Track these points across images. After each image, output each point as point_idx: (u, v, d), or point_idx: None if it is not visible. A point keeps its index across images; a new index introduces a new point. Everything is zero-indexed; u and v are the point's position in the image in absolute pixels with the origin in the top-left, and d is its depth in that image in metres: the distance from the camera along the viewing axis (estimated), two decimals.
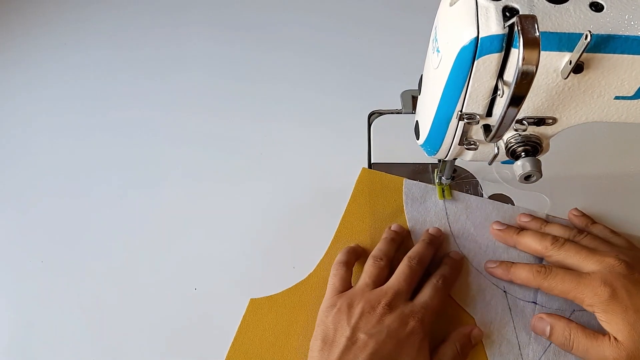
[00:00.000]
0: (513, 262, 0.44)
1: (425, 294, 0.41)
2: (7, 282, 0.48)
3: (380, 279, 0.42)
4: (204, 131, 0.60)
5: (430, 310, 0.40)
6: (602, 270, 0.39)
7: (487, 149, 0.41)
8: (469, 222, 0.48)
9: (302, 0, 0.73)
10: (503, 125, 0.34)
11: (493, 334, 0.43)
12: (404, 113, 0.47)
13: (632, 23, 0.31)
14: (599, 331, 0.38)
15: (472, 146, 0.40)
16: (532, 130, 0.37)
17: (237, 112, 0.62)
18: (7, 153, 0.59)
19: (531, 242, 0.44)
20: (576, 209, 0.48)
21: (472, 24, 0.31)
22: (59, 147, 0.59)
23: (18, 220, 0.53)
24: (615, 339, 0.37)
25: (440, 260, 0.45)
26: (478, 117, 0.36)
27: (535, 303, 0.44)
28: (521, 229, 0.46)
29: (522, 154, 0.37)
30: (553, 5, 0.31)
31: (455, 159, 0.44)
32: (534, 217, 0.47)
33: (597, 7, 0.31)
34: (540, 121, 0.36)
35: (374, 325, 0.38)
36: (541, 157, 0.38)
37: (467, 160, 0.43)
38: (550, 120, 0.36)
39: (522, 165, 0.37)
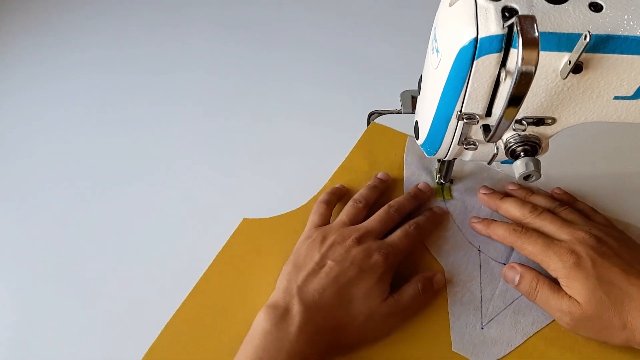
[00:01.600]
0: (494, 220, 0.46)
1: (395, 235, 0.44)
2: (7, 282, 0.49)
3: (357, 219, 0.45)
4: (202, 130, 0.60)
5: (396, 250, 0.43)
6: (572, 240, 0.40)
7: (487, 149, 0.41)
8: (463, 187, 0.50)
9: (302, 0, 0.73)
10: (502, 126, 0.34)
11: (458, 284, 0.45)
12: (404, 113, 0.47)
13: (631, 23, 0.31)
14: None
15: (472, 146, 0.40)
16: (531, 130, 0.37)
17: (236, 112, 0.62)
18: (7, 152, 0.59)
19: (511, 208, 0.46)
20: (558, 187, 0.49)
21: (471, 24, 0.31)
22: (58, 147, 0.59)
23: (18, 220, 0.53)
24: (575, 300, 0.38)
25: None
26: (477, 117, 0.36)
27: (505, 265, 0.45)
28: (506, 195, 0.48)
29: (522, 153, 0.37)
30: (552, 5, 0.31)
31: (454, 159, 0.44)
32: (521, 186, 0.49)
33: (596, 8, 0.31)
34: (539, 121, 0.36)
35: (341, 254, 0.41)
36: (540, 157, 0.38)
37: (466, 160, 0.43)
38: (550, 121, 0.36)
39: (521, 165, 0.37)
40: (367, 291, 0.40)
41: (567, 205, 0.46)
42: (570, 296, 0.39)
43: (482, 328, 0.42)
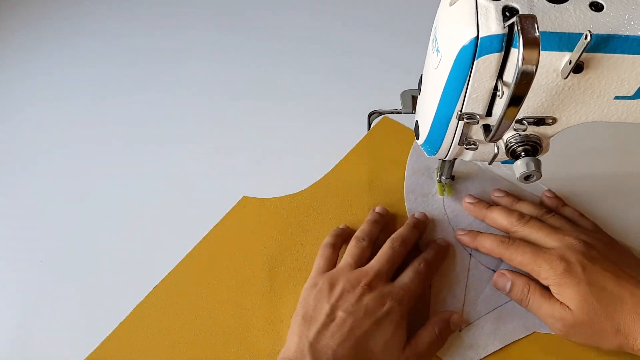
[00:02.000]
0: (480, 232, 0.46)
1: (406, 276, 0.42)
2: (7, 282, 0.48)
3: (363, 260, 0.44)
4: (201, 129, 0.60)
5: (410, 292, 0.41)
6: (561, 247, 0.40)
7: (487, 149, 0.41)
8: (463, 187, 0.50)
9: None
10: (503, 125, 0.34)
11: (444, 287, 0.45)
12: (404, 113, 0.47)
13: (632, 23, 0.30)
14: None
15: (472, 146, 0.40)
16: (532, 130, 0.37)
17: (236, 112, 0.62)
18: (7, 152, 0.59)
19: (498, 217, 0.45)
20: (549, 190, 0.49)
21: (472, 23, 0.31)
22: (58, 147, 0.59)
23: (18, 220, 0.53)
24: (567, 306, 0.38)
25: (426, 245, 0.47)
26: (478, 117, 0.36)
27: (494, 271, 0.45)
28: (492, 204, 0.47)
29: (522, 153, 0.37)
30: (553, 5, 0.31)
31: (455, 158, 0.44)
32: (507, 194, 0.49)
33: (597, 7, 0.31)
34: (540, 121, 0.36)
35: (353, 304, 0.39)
36: (541, 157, 0.38)
37: (467, 160, 0.43)
38: (550, 120, 0.36)
39: (522, 165, 0.37)
40: (385, 343, 0.38)
41: (554, 212, 0.46)
42: (562, 302, 0.39)
43: (460, 331, 0.43)
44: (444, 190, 0.50)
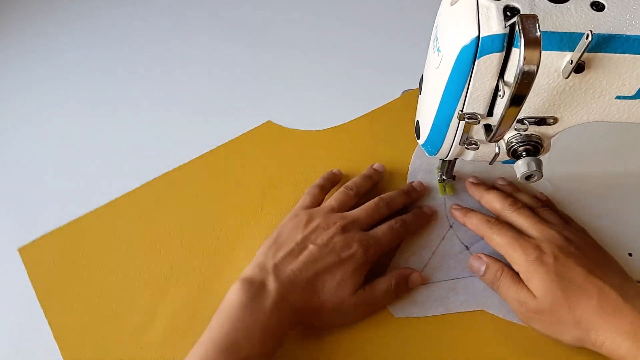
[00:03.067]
0: (473, 210, 0.47)
1: (379, 229, 0.44)
2: (7, 282, 0.48)
3: (345, 206, 0.46)
4: (202, 129, 0.60)
5: (378, 244, 0.43)
6: (541, 237, 0.41)
7: (488, 149, 0.41)
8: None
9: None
10: (504, 125, 0.34)
11: (412, 247, 0.47)
12: None
13: (633, 22, 0.30)
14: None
15: (473, 146, 0.40)
16: (533, 130, 0.37)
17: (236, 110, 0.62)
18: (7, 152, 0.59)
19: (493, 200, 0.46)
20: (541, 193, 0.49)
21: (473, 23, 0.31)
22: (58, 147, 0.59)
23: (18, 219, 0.53)
24: (532, 293, 0.39)
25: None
26: (479, 116, 0.36)
27: (467, 249, 0.46)
28: (493, 188, 0.48)
29: (523, 153, 0.37)
30: (554, 4, 0.31)
31: (456, 158, 0.44)
32: (510, 183, 0.49)
33: (598, 7, 0.31)
34: (541, 121, 0.36)
35: (323, 240, 0.42)
36: (542, 157, 0.38)
37: (468, 160, 0.43)
38: (551, 120, 0.36)
39: (523, 165, 0.37)
40: (340, 281, 0.41)
41: (549, 208, 0.46)
42: (528, 290, 0.39)
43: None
44: (445, 190, 0.50)
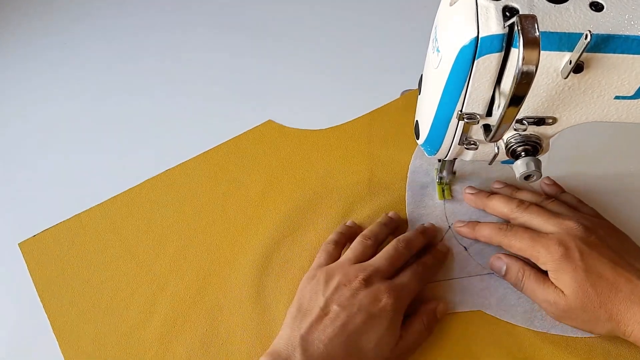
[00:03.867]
0: (478, 221, 0.46)
1: (404, 276, 0.42)
2: (7, 282, 0.48)
3: (364, 257, 0.43)
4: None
5: (406, 290, 0.41)
6: (560, 232, 0.40)
7: (487, 149, 0.41)
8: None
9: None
10: (503, 125, 0.34)
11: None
12: None
13: (632, 23, 0.31)
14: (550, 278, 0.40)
15: (472, 146, 0.40)
16: (532, 130, 0.37)
17: (237, 109, 0.62)
18: (6, 152, 0.59)
19: (498, 205, 0.45)
20: (548, 177, 0.49)
21: (472, 23, 0.31)
22: (58, 146, 0.59)
23: (18, 219, 0.53)
24: (561, 291, 0.39)
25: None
26: (478, 116, 0.36)
27: (466, 249, 0.47)
28: (492, 194, 0.47)
29: (522, 153, 0.37)
30: (553, 5, 0.31)
31: (455, 158, 0.44)
32: (506, 184, 0.49)
33: (597, 7, 0.31)
34: (540, 121, 0.36)
35: (348, 298, 0.39)
36: (541, 157, 0.38)
37: (467, 160, 0.43)
38: (550, 120, 0.36)
39: (522, 165, 0.37)
40: (378, 340, 0.38)
41: (553, 198, 0.46)
42: (555, 287, 0.39)
43: None
44: (444, 194, 0.49)
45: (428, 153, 0.43)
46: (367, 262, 0.42)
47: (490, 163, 0.42)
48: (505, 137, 0.37)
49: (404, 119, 0.55)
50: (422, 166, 0.52)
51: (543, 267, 0.40)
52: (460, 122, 0.37)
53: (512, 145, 0.37)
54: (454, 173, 0.49)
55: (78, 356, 0.44)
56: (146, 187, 0.53)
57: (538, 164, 0.37)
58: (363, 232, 0.45)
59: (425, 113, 0.40)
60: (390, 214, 0.48)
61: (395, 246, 0.43)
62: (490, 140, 0.36)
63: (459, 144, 0.40)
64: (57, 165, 0.56)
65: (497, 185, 0.49)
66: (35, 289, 0.47)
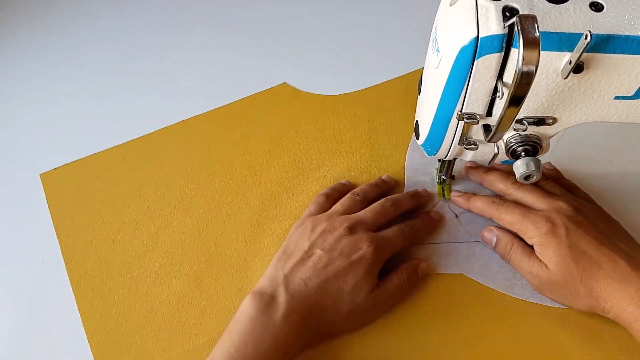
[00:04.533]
0: (474, 194, 0.47)
1: (389, 231, 0.44)
2: (7, 282, 0.48)
3: (351, 211, 0.45)
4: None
5: (388, 244, 0.43)
6: (549, 209, 0.41)
7: (487, 149, 0.41)
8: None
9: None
10: (503, 125, 0.34)
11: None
12: None
13: (632, 23, 0.31)
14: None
15: (472, 146, 0.40)
16: (532, 130, 0.37)
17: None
18: (7, 152, 0.59)
19: (495, 180, 0.46)
20: (549, 163, 0.50)
21: (472, 23, 0.31)
22: (58, 146, 0.59)
23: (18, 219, 0.53)
24: (545, 265, 0.40)
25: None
26: (478, 117, 0.36)
27: (457, 217, 0.48)
28: (492, 169, 0.48)
29: (522, 153, 0.37)
30: (553, 5, 0.31)
31: (455, 158, 0.44)
32: (508, 165, 0.49)
33: (597, 7, 0.31)
34: (540, 121, 0.36)
35: (331, 243, 0.41)
36: (541, 157, 0.38)
37: (467, 160, 0.43)
38: (550, 120, 0.36)
39: (522, 165, 0.37)
40: (354, 284, 0.40)
41: (550, 179, 0.47)
42: (541, 261, 0.40)
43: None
44: (444, 193, 0.50)
45: (428, 153, 0.43)
46: (353, 214, 0.44)
47: (490, 163, 0.42)
48: (505, 137, 0.37)
49: (410, 95, 0.57)
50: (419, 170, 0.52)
51: (529, 242, 0.41)
52: (460, 122, 0.37)
53: (512, 145, 0.37)
54: (453, 177, 0.50)
55: (82, 278, 0.48)
56: (161, 134, 0.57)
57: (538, 164, 0.37)
58: (353, 190, 0.48)
59: (425, 113, 0.40)
60: (384, 176, 0.50)
61: (382, 203, 0.45)
62: (490, 141, 0.36)
63: (459, 144, 0.40)
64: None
65: (497, 164, 0.49)
66: (50, 216, 0.52)
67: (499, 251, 0.44)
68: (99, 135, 0.58)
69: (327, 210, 0.46)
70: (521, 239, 0.42)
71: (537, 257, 0.41)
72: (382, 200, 0.46)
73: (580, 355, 0.41)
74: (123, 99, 0.62)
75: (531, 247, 0.41)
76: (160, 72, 0.64)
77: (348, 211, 0.45)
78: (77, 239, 0.50)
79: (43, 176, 0.55)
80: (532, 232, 0.41)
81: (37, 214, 0.53)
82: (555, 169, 0.50)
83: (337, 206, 0.46)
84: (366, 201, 0.47)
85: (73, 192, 0.54)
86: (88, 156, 0.56)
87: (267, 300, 0.39)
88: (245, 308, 0.39)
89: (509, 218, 0.42)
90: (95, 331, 0.45)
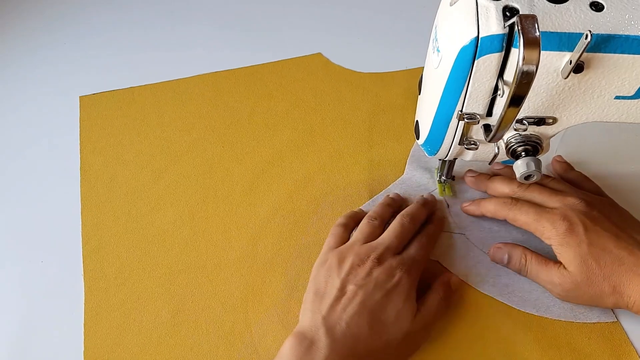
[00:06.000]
0: (484, 198, 0.47)
1: (412, 249, 0.43)
2: (7, 282, 0.48)
3: (372, 237, 0.44)
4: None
5: (416, 263, 0.42)
6: (563, 207, 0.41)
7: (488, 149, 0.41)
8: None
9: None
10: (503, 125, 0.34)
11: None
12: None
13: (632, 23, 0.31)
14: (552, 259, 0.41)
15: (473, 146, 0.40)
16: (532, 130, 0.37)
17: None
18: (6, 152, 0.59)
19: (500, 186, 0.46)
20: (559, 155, 0.50)
21: (472, 23, 0.31)
22: (58, 146, 0.59)
23: (18, 219, 0.53)
24: (565, 268, 0.39)
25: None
26: (478, 117, 0.36)
27: (448, 206, 0.49)
28: (493, 175, 0.48)
29: (523, 153, 0.37)
30: (553, 5, 0.31)
31: (455, 158, 0.44)
32: (507, 166, 0.49)
33: (597, 7, 0.31)
34: (540, 121, 0.36)
35: (363, 277, 0.40)
36: (541, 157, 0.38)
37: (467, 160, 0.43)
38: (551, 120, 0.36)
39: (522, 165, 0.37)
40: (397, 313, 0.39)
41: (551, 177, 0.46)
42: (559, 266, 0.40)
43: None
44: (444, 191, 0.50)
45: (428, 153, 0.43)
46: (376, 241, 0.43)
47: (491, 163, 0.42)
48: (506, 137, 0.37)
49: None
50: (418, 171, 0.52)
51: (547, 242, 0.41)
52: (460, 122, 0.37)
53: (512, 145, 0.37)
54: (453, 178, 0.50)
55: (91, 191, 0.53)
56: (193, 81, 0.62)
57: (538, 164, 0.37)
58: (368, 214, 0.46)
59: (426, 113, 0.40)
60: (392, 194, 0.49)
61: (401, 222, 0.44)
62: (491, 141, 0.36)
63: (459, 144, 0.40)
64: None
65: (497, 167, 0.50)
66: (78, 138, 0.57)
67: (514, 267, 0.43)
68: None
69: (346, 240, 0.45)
70: (532, 250, 0.42)
71: (554, 263, 0.40)
72: (399, 219, 0.45)
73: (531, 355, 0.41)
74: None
75: (544, 255, 0.41)
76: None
77: (369, 238, 0.43)
78: (98, 165, 0.55)
79: (82, 99, 0.61)
80: (550, 232, 0.40)
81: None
82: (565, 162, 0.50)
83: (357, 235, 0.44)
84: (384, 224, 0.45)
85: (104, 119, 0.59)
86: (124, 88, 0.62)
87: (307, 345, 0.37)
88: (285, 353, 0.37)
89: (524, 218, 0.42)
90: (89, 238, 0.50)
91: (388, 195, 0.49)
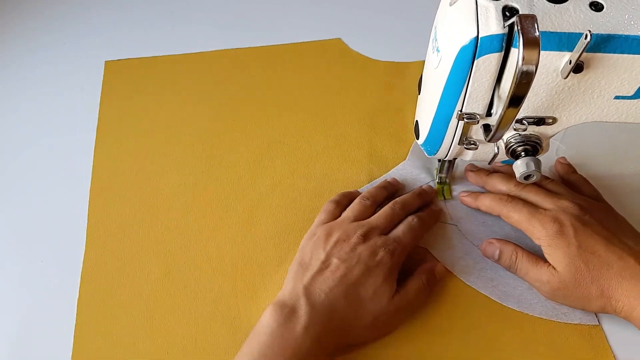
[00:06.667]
0: (482, 192, 0.47)
1: (399, 230, 0.44)
2: (7, 282, 0.48)
3: (362, 216, 0.45)
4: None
5: (402, 245, 0.43)
6: (556, 209, 0.41)
7: (487, 149, 0.41)
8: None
9: None
10: (502, 125, 0.34)
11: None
12: None
13: (632, 22, 0.31)
14: (543, 258, 0.41)
15: (472, 146, 0.40)
16: (532, 130, 0.37)
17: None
18: (6, 152, 0.59)
19: (497, 182, 0.46)
20: (563, 157, 0.50)
21: (472, 23, 0.31)
22: (58, 146, 0.59)
23: (18, 220, 0.53)
24: (554, 268, 0.40)
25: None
26: (478, 116, 0.36)
27: (444, 199, 0.49)
28: (493, 172, 0.48)
29: (522, 153, 0.37)
30: (553, 5, 0.31)
31: (455, 158, 0.44)
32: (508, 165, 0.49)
33: (597, 7, 0.31)
34: (540, 121, 0.36)
35: (347, 252, 0.41)
36: (541, 157, 0.38)
37: (467, 160, 0.43)
38: (550, 120, 0.36)
39: (522, 165, 0.37)
40: (375, 290, 0.40)
41: (550, 179, 0.47)
42: (548, 266, 0.40)
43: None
44: (443, 194, 0.49)
45: (428, 153, 0.43)
46: (365, 220, 0.44)
47: (490, 163, 0.42)
48: (505, 137, 0.37)
49: None
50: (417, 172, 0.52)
51: (537, 242, 0.41)
52: (460, 122, 0.37)
53: (512, 145, 0.37)
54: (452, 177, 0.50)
55: (105, 151, 0.56)
56: (213, 55, 0.64)
57: (538, 164, 0.37)
58: (361, 194, 0.47)
59: (425, 113, 0.40)
60: (390, 179, 0.50)
61: (392, 207, 0.45)
62: (490, 140, 0.36)
63: (458, 144, 0.40)
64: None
65: (498, 164, 0.50)
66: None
67: (504, 263, 0.43)
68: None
69: (338, 217, 0.46)
70: (524, 247, 0.42)
71: (544, 262, 0.40)
72: (391, 204, 0.46)
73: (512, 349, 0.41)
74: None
75: (536, 253, 0.41)
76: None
77: (359, 217, 0.44)
78: (112, 131, 0.57)
79: (107, 64, 0.63)
80: (539, 232, 0.40)
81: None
82: (568, 163, 0.50)
83: (348, 212, 0.45)
84: (375, 205, 0.47)
85: (125, 86, 0.61)
86: (148, 57, 0.64)
87: (287, 313, 0.38)
88: (266, 320, 0.38)
89: (517, 217, 0.42)
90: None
91: (386, 179, 0.50)
